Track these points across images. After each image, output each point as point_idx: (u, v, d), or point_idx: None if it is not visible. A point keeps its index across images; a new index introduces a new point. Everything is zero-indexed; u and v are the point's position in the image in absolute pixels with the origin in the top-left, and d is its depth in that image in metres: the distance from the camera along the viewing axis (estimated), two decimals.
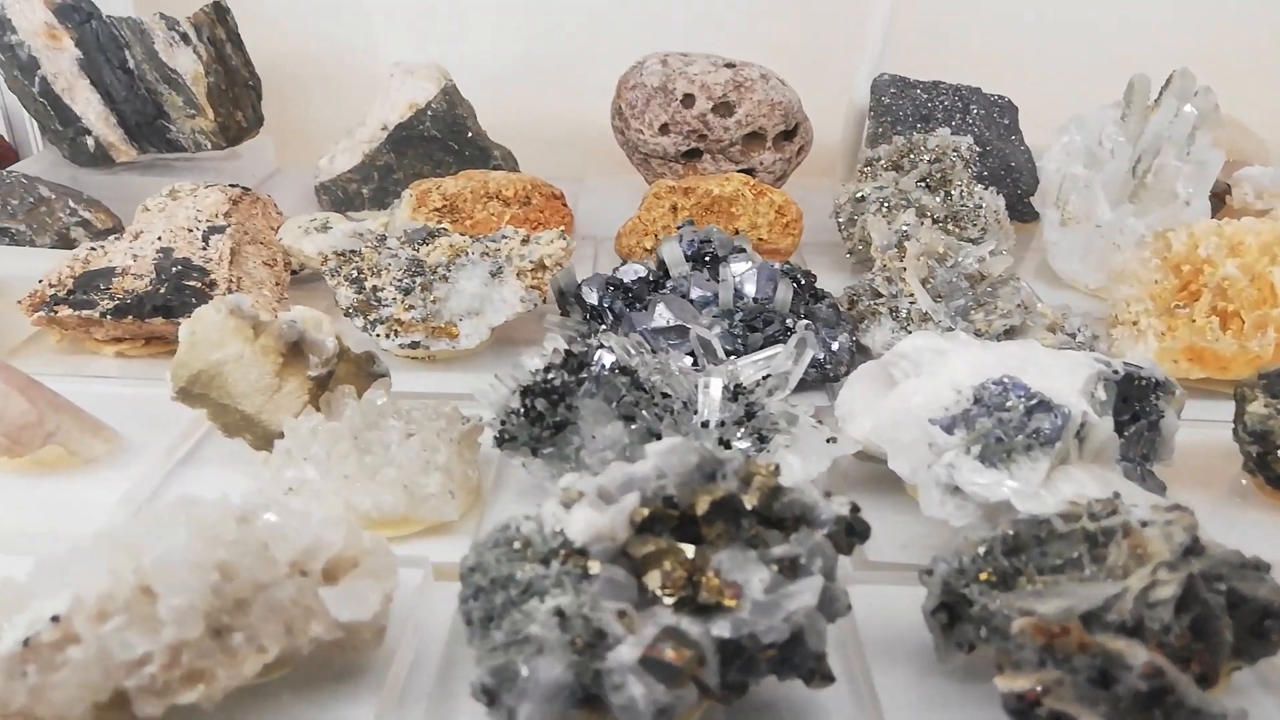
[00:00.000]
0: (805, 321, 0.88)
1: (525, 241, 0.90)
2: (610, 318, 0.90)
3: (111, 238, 0.92)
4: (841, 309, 0.93)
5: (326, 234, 0.90)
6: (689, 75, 1.21)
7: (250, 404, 0.70)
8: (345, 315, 0.88)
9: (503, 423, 0.69)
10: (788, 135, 1.27)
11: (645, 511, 0.52)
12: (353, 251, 0.88)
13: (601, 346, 0.68)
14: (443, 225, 0.92)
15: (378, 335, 0.86)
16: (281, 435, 0.71)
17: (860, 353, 0.91)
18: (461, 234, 0.91)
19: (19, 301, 0.88)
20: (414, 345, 0.87)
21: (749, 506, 0.52)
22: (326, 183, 1.28)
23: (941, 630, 0.55)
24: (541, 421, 0.66)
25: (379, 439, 0.68)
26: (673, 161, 1.27)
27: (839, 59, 1.48)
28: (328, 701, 0.52)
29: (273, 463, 0.67)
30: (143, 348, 0.89)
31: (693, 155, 1.27)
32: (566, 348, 0.68)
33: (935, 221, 1.06)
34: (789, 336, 0.85)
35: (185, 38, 1.24)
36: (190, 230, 0.91)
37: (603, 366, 0.67)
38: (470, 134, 1.27)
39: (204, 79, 1.25)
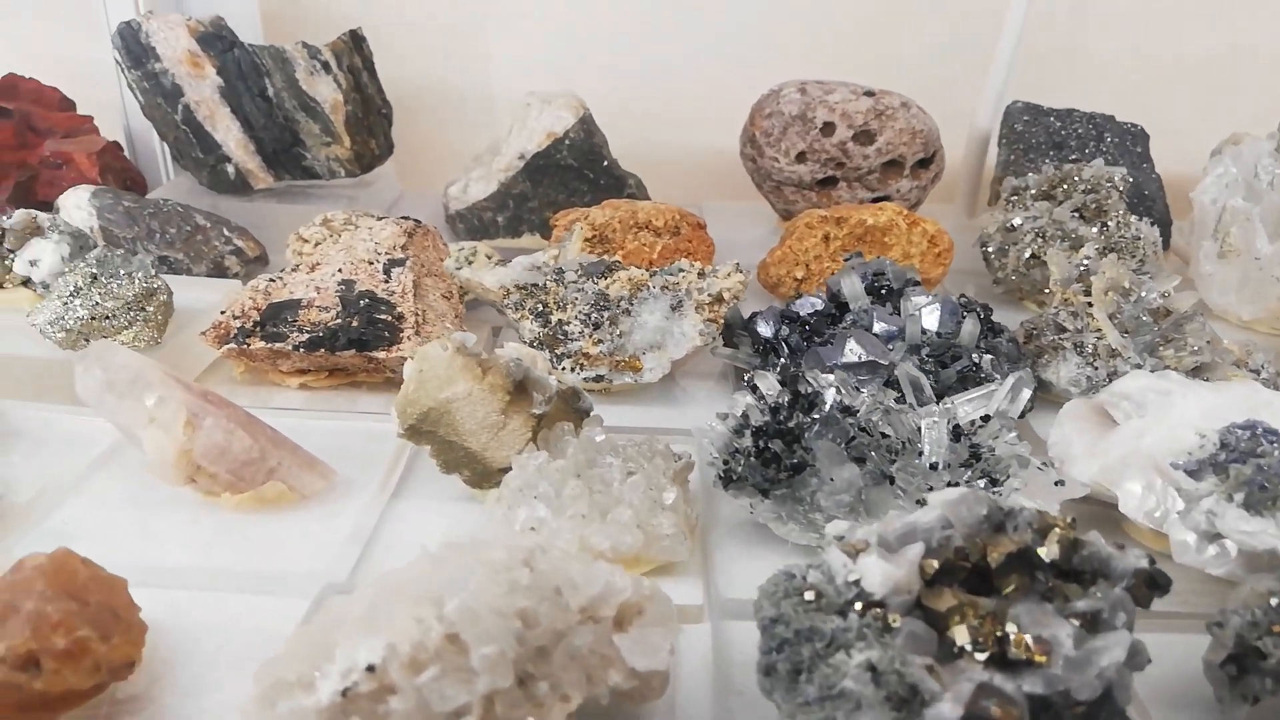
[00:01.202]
0: (989, 356, 0.87)
1: (702, 275, 0.90)
2: (786, 351, 0.90)
3: (288, 269, 0.93)
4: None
5: (507, 267, 0.90)
6: (829, 104, 1.21)
7: (476, 441, 0.70)
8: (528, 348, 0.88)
9: (726, 462, 0.68)
10: (924, 163, 1.26)
11: (935, 563, 0.52)
12: (535, 285, 0.88)
13: (828, 385, 0.68)
14: (616, 259, 0.92)
15: (563, 369, 0.87)
16: (500, 471, 0.71)
17: (1040, 389, 0.90)
18: (637, 267, 0.90)
19: (202, 333, 0.88)
20: (597, 379, 0.87)
21: (1047, 559, 0.51)
22: (461, 211, 1.29)
23: (1229, 682, 0.54)
24: (777, 463, 0.65)
25: (600, 476, 0.68)
26: (807, 189, 1.27)
27: (956, 83, 1.47)
28: None
29: (504, 500, 0.67)
30: (325, 379, 0.89)
31: (828, 183, 1.26)
32: (794, 387, 0.68)
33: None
34: (978, 372, 0.85)
35: (326, 66, 1.25)
36: (370, 263, 0.91)
37: (831, 406, 0.67)
38: (606, 162, 1.27)
39: (343, 107, 1.27)
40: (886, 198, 1.26)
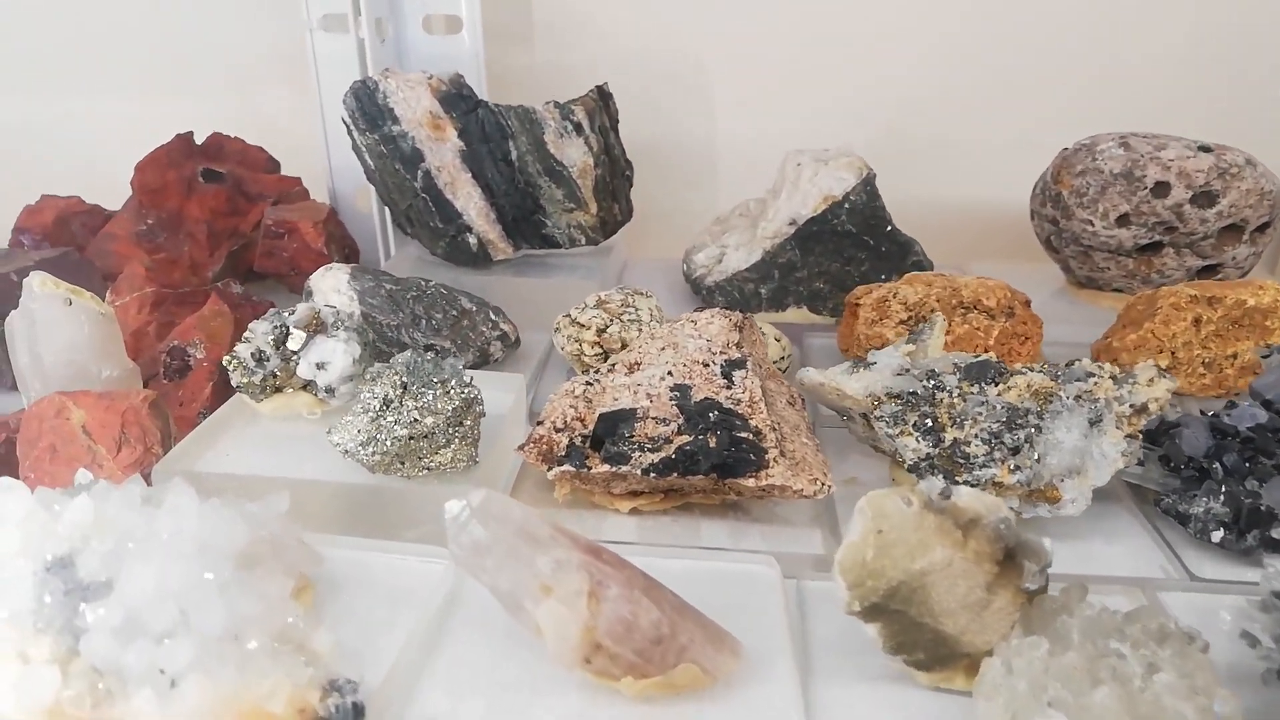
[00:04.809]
0: None
1: (1116, 380, 0.74)
2: (1221, 473, 0.74)
3: (604, 369, 0.80)
4: None
5: (871, 370, 0.76)
6: (1162, 161, 1.05)
7: (953, 623, 0.55)
8: (907, 472, 0.73)
9: None
10: (1263, 227, 1.09)
11: None
12: (913, 394, 0.74)
13: None
14: (998, 359, 0.77)
15: None
16: (967, 657, 0.56)
17: None
18: (1031, 368, 0.75)
19: (519, 448, 0.76)
20: None
21: None
22: (721, 283, 1.15)
23: None
24: None
25: (1112, 670, 0.53)
26: (1123, 256, 1.10)
27: (1248, 130, 1.30)
28: None
29: (1009, 708, 0.52)
30: (659, 501, 0.76)
31: (1151, 249, 1.10)
32: None
33: None
34: None
35: (578, 128, 1.13)
36: (705, 365, 0.77)
37: None
38: (889, 228, 1.12)
39: (592, 171, 1.14)
40: (1219, 265, 1.09)
